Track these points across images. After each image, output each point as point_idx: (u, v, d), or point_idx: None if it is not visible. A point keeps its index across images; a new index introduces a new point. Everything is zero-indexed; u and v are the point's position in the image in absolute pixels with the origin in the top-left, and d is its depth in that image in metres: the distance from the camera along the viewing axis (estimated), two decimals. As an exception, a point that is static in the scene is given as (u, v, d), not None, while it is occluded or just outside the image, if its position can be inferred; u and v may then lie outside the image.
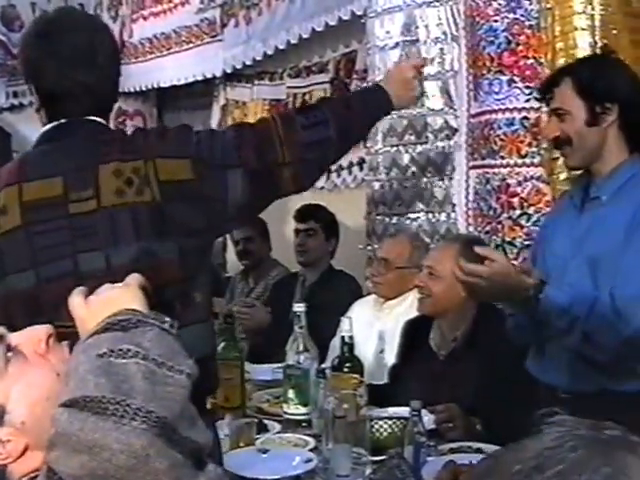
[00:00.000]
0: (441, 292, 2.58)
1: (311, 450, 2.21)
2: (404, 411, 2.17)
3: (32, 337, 1.16)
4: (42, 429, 1.03)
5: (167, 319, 1.13)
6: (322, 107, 2.00)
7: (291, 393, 2.46)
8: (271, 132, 1.83)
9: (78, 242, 1.67)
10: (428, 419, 2.21)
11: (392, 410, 2.35)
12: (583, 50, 2.77)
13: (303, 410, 2.44)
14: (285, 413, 2.47)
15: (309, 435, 2.33)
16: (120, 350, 0.99)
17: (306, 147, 1.86)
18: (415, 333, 2.74)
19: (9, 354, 1.12)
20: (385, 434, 2.20)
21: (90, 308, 1.14)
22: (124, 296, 1.14)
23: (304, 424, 2.44)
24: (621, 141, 2.15)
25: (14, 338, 1.15)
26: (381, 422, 2.22)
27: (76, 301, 1.17)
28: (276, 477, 2.03)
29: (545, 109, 2.90)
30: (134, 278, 1.20)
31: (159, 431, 0.92)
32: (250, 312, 3.64)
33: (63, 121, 1.77)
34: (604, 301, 1.98)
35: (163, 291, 1.55)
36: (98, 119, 1.79)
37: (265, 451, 2.18)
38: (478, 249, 2.08)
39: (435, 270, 2.60)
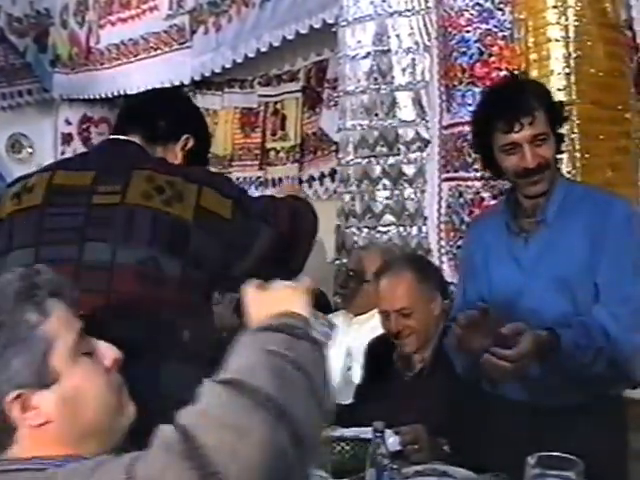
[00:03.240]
0: (421, 324, 2.49)
1: (272, 473, 2.12)
2: (367, 432, 2.08)
3: (110, 352, 1.24)
4: (71, 424, 1.14)
5: (326, 326, 1.20)
6: None
7: (252, 413, 2.36)
8: (302, 206, 2.00)
9: (90, 230, 1.71)
10: (393, 440, 2.14)
11: (355, 431, 2.26)
12: (557, 61, 2.72)
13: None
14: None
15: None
16: (292, 361, 1.06)
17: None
18: (380, 353, 2.65)
19: (86, 355, 1.20)
20: (347, 456, 2.12)
21: (264, 297, 1.22)
22: (296, 296, 1.21)
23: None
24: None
25: (99, 344, 1.24)
26: (343, 443, 2.15)
27: (251, 289, 1.25)
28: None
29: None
30: (307, 281, 1.26)
31: (297, 447, 0.99)
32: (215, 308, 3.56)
33: (115, 137, 1.93)
34: (613, 324, 1.99)
35: (160, 308, 1.65)
36: (140, 143, 1.91)
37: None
38: (505, 330, 1.94)
39: (405, 309, 2.49)
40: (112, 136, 1.96)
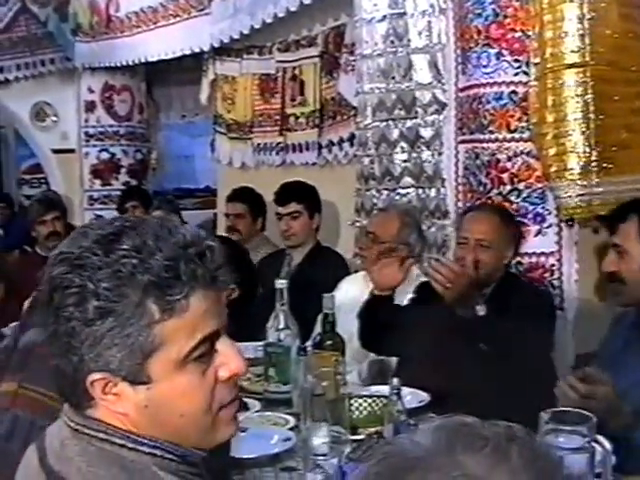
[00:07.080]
0: (490, 264, 2.61)
1: (291, 429, 2.17)
2: (384, 389, 2.14)
3: (235, 363, 1.04)
4: (146, 427, 1.01)
5: None
6: None
7: (272, 371, 2.42)
8: None
9: None
10: (410, 398, 2.18)
11: (373, 389, 2.32)
12: (571, 22, 2.72)
13: (284, 388, 2.40)
14: (266, 391, 2.43)
15: (290, 414, 2.28)
16: None
17: None
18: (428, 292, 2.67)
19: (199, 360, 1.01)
20: (365, 412, 2.17)
21: None
22: None
23: (285, 403, 2.40)
24: None
25: (227, 350, 1.04)
26: (360, 400, 2.19)
27: None
28: (254, 456, 1.99)
29: (533, 83, 2.89)
30: None
31: None
32: None
33: None
34: None
35: None
36: None
37: (244, 430, 2.14)
38: (587, 370, 2.01)
39: (485, 241, 2.60)
40: None
